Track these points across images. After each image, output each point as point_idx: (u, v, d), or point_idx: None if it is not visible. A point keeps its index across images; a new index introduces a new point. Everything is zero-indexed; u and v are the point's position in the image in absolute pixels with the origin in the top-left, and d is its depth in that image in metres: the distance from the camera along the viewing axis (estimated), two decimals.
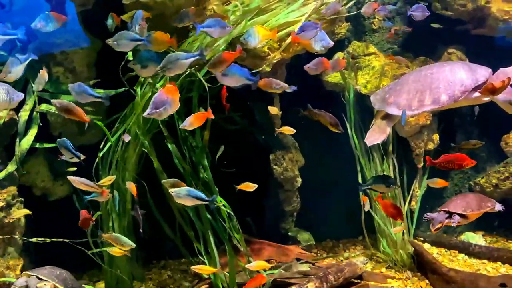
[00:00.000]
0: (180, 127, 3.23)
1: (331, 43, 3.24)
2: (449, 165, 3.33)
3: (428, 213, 3.40)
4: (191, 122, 3.08)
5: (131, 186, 3.50)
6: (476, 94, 2.92)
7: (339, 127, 3.35)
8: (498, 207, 3.41)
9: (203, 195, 3.07)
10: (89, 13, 3.96)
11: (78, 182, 3.14)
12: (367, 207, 3.95)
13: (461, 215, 3.25)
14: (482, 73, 2.95)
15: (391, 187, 3.47)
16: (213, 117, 3.18)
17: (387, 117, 3.20)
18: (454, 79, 2.99)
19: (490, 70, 2.93)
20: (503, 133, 4.97)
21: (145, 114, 2.84)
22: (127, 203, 3.99)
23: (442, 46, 4.98)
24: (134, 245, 3.30)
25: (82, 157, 3.18)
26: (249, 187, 3.64)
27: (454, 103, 3.00)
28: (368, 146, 3.23)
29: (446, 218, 3.25)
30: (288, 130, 3.67)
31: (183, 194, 3.03)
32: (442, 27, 4.67)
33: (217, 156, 3.79)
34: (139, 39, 3.02)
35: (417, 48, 4.94)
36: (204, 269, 3.56)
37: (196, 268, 3.45)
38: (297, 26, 3.35)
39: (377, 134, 3.25)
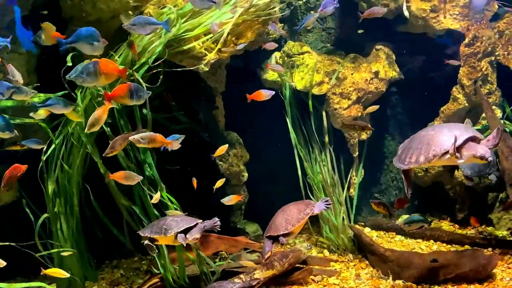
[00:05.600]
0: None
1: None
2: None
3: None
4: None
5: None
6: (447, 156, 3.46)
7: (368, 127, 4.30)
8: (317, 209, 3.66)
9: None
10: (27, 19, 4.01)
11: None
12: None
13: (285, 234, 3.52)
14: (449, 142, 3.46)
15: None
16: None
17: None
18: (431, 144, 3.56)
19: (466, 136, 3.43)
20: (429, 121, 5.40)
21: None
22: (74, 205, 4.06)
23: (370, 43, 5.35)
24: None
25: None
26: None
27: (429, 163, 3.60)
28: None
29: (273, 243, 3.51)
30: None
31: None
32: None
33: None
34: None
35: (348, 45, 5.29)
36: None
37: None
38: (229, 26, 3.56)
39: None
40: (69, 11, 3.77)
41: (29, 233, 3.86)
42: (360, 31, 5.03)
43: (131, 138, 3.26)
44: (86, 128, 3.24)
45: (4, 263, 3.18)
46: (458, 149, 3.43)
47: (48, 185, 3.93)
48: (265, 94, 3.79)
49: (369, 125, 4.41)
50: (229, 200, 3.80)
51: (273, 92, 3.84)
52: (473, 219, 4.74)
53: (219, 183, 4.08)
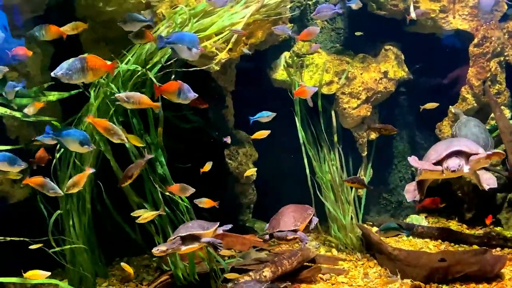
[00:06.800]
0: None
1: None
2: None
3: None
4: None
5: None
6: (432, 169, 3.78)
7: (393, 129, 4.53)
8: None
9: None
10: (41, 19, 4.06)
11: None
12: None
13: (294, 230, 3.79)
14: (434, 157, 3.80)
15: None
16: None
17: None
18: (424, 158, 3.90)
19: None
20: (437, 121, 5.41)
21: None
22: (86, 202, 4.11)
23: (379, 43, 5.37)
24: None
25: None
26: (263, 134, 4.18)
27: (422, 176, 3.99)
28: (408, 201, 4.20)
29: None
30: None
31: None
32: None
33: None
34: None
35: (357, 45, 5.30)
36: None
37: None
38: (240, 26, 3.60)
39: (413, 193, 4.09)
40: (82, 11, 3.83)
41: (41, 229, 3.91)
42: (358, 33, 5.11)
43: (117, 95, 3.21)
44: (65, 189, 3.37)
45: (48, 273, 3.25)
46: (441, 162, 3.70)
47: (61, 182, 3.98)
48: (308, 91, 4.10)
49: (393, 127, 4.54)
50: (202, 202, 3.84)
51: (316, 89, 4.11)
52: (489, 218, 4.75)
53: (249, 172, 4.26)
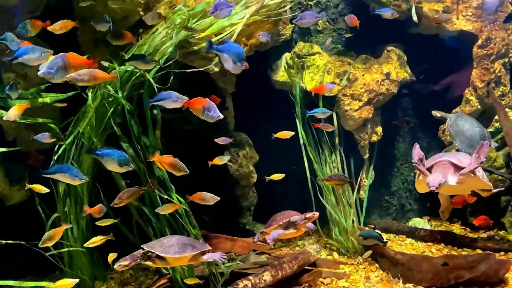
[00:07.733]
0: None
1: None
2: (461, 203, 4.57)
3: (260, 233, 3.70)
4: None
5: None
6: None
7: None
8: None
9: None
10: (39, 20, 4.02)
11: None
12: None
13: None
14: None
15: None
16: None
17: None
18: None
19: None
20: (440, 123, 5.35)
21: None
22: (84, 205, 4.07)
23: (382, 44, 5.32)
24: None
25: None
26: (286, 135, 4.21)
27: (418, 182, 3.99)
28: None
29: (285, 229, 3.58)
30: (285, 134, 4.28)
31: None
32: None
33: None
34: None
35: (359, 46, 5.25)
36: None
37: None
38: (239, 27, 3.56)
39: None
40: (81, 12, 3.79)
41: (39, 232, 3.87)
42: (347, 35, 5.07)
43: (68, 76, 3.00)
44: (40, 243, 3.37)
45: (77, 280, 3.20)
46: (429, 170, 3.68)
47: (59, 184, 3.95)
48: (327, 88, 4.30)
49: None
50: (164, 209, 3.74)
51: (335, 86, 4.25)
52: (479, 218, 4.67)
53: (276, 176, 4.25)
